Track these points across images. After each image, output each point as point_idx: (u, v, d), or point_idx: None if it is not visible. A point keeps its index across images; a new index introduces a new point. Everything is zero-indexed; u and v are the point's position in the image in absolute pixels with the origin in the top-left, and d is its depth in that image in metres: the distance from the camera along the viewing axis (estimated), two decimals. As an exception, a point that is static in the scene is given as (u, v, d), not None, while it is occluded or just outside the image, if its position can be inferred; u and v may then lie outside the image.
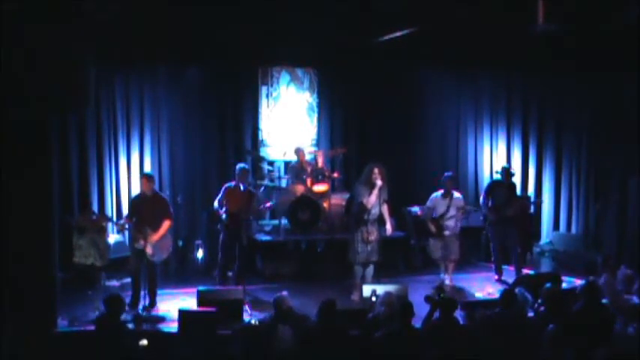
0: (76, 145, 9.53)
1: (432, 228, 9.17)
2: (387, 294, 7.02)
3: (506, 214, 9.49)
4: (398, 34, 9.26)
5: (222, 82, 10.57)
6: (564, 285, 8.38)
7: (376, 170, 8.39)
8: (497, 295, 7.25)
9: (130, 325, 7.31)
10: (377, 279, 8.40)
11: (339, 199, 10.24)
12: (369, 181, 8.43)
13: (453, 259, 9.22)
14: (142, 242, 8.01)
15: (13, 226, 7.00)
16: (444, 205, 9.16)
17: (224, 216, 8.53)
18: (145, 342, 6.18)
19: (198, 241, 10.02)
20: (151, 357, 6.24)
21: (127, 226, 8.69)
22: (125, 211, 9.43)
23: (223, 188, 8.74)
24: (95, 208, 9.47)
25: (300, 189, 10.14)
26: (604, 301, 7.18)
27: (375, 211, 8.45)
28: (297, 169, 10.40)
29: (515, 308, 6.66)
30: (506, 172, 9.86)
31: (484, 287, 9.18)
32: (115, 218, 9.52)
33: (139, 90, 10.10)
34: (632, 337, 6.47)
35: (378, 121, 11.26)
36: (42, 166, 7.31)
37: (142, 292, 8.00)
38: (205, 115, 10.52)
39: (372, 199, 8.37)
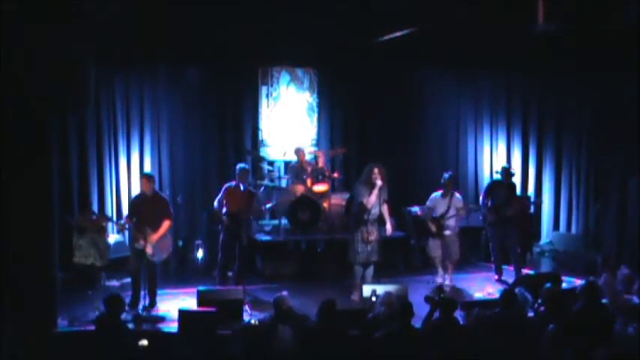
0: (76, 145, 9.53)
1: (433, 228, 9.16)
2: (387, 294, 7.01)
3: (506, 214, 9.48)
4: (398, 34, 9.26)
5: (222, 82, 10.58)
6: (564, 285, 8.38)
7: (376, 170, 8.38)
8: (497, 295, 7.26)
9: (130, 325, 7.31)
10: (377, 279, 8.39)
11: (339, 199, 10.24)
12: (369, 181, 8.42)
13: (454, 259, 9.22)
14: (142, 242, 8.01)
15: (13, 226, 6.99)
16: (444, 204, 9.16)
17: (224, 217, 8.54)
18: (145, 342, 6.18)
19: (198, 241, 10.02)
20: (150, 357, 6.23)
21: (127, 226, 8.68)
22: (125, 211, 9.44)
23: (223, 188, 8.75)
24: (95, 208, 9.48)
25: (300, 189, 10.14)
26: (604, 301, 7.18)
27: (375, 211, 8.44)
28: (297, 169, 10.40)
29: (515, 308, 6.66)
30: (506, 172, 9.86)
31: (484, 287, 9.18)
32: (115, 218, 9.52)
33: (139, 90, 10.10)
34: (632, 337, 6.46)
35: (378, 121, 11.26)
36: (42, 166, 7.31)
37: (142, 292, 8.00)
38: (205, 115, 10.52)
39: (372, 199, 8.37)
